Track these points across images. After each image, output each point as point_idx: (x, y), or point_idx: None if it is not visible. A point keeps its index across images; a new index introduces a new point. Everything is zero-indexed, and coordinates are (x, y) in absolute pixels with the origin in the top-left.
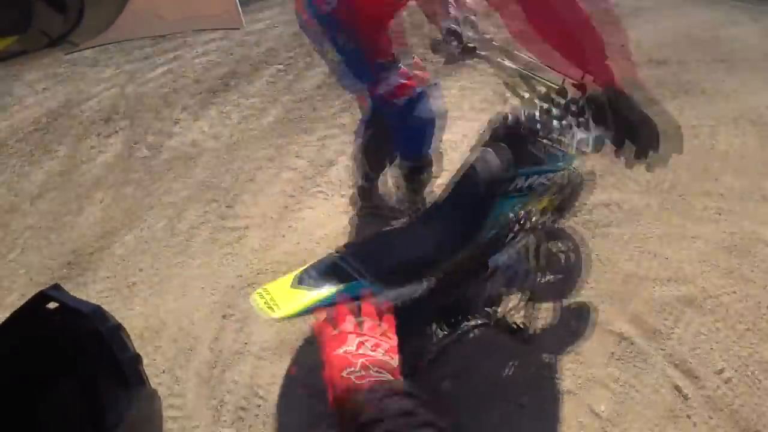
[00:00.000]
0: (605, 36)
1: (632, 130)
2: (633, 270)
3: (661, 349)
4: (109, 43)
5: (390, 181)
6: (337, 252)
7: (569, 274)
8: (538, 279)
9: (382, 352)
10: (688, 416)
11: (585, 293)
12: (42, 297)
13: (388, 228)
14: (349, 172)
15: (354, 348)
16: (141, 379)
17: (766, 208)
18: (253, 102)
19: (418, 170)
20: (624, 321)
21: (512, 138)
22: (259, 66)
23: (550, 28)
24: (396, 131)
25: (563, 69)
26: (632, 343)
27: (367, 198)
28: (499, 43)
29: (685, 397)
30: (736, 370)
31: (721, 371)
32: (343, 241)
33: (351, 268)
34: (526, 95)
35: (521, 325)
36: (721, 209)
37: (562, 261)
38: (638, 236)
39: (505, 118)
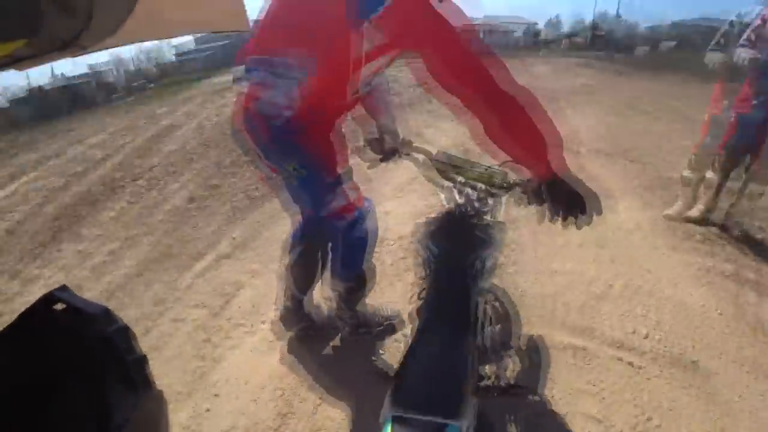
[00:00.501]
0: (546, 134)
1: (566, 204)
2: (542, 290)
3: (602, 341)
4: (117, 46)
5: (319, 298)
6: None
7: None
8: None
9: None
10: (648, 378)
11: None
12: (50, 298)
13: (404, 360)
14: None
15: None
16: (147, 381)
17: None
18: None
19: (355, 289)
20: (566, 334)
21: (459, 225)
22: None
23: (502, 138)
24: (335, 251)
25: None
26: (584, 348)
27: (293, 320)
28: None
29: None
30: (654, 328)
31: (646, 336)
32: (289, 383)
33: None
34: (459, 180)
35: (511, 382)
36: None
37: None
38: (532, 264)
39: (448, 208)
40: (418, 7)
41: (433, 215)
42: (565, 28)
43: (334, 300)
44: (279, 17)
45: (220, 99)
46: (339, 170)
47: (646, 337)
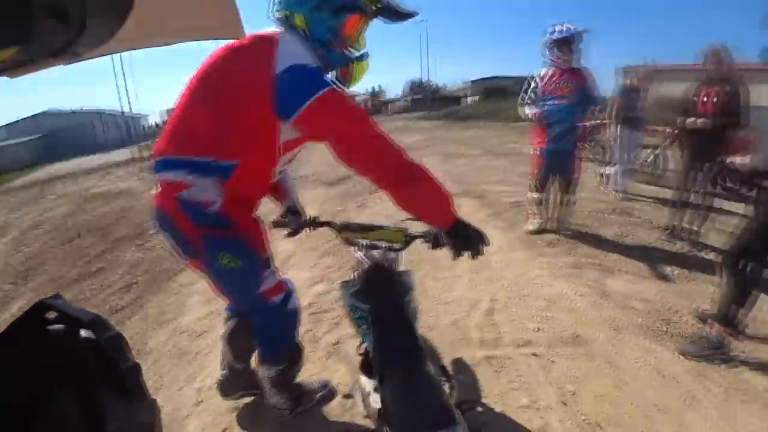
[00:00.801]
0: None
1: (471, 241)
2: (444, 320)
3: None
4: (111, 53)
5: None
6: None
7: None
8: None
9: None
10: (551, 361)
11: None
12: (42, 306)
13: (385, 404)
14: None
15: None
16: (140, 389)
17: None
18: None
19: (289, 367)
20: (478, 350)
21: (382, 279)
22: None
23: (410, 203)
24: (264, 332)
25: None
26: (496, 356)
27: (231, 389)
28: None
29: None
30: (541, 321)
31: (537, 329)
32: None
33: None
34: (365, 244)
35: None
36: None
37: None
38: (427, 301)
39: (369, 265)
40: (330, 109)
41: (351, 277)
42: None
43: (267, 389)
44: (190, 117)
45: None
46: (268, 250)
47: (538, 330)
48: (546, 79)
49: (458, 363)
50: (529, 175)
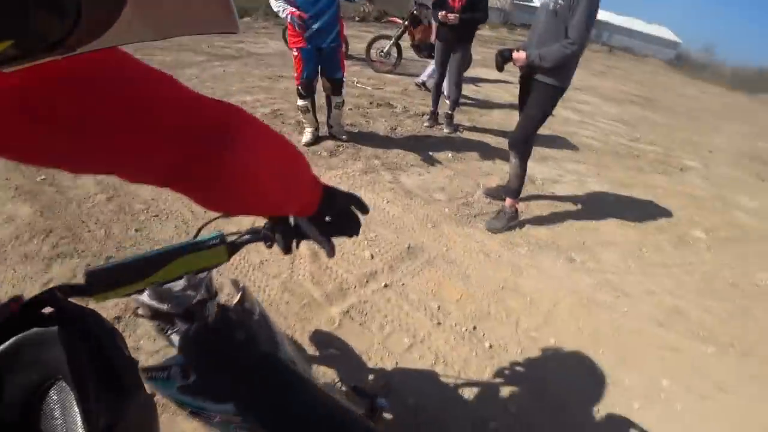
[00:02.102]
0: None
1: (338, 227)
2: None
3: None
4: (106, 47)
5: None
6: None
7: None
8: None
9: None
10: (402, 284)
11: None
12: (37, 301)
13: None
14: None
15: None
16: (136, 384)
17: None
18: None
19: None
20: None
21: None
22: None
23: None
24: None
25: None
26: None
27: None
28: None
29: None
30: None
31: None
32: None
33: None
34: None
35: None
36: None
37: None
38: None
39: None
40: None
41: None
42: None
43: None
44: None
45: None
46: None
47: (373, 257)
48: None
49: (319, 336)
50: (295, 79)
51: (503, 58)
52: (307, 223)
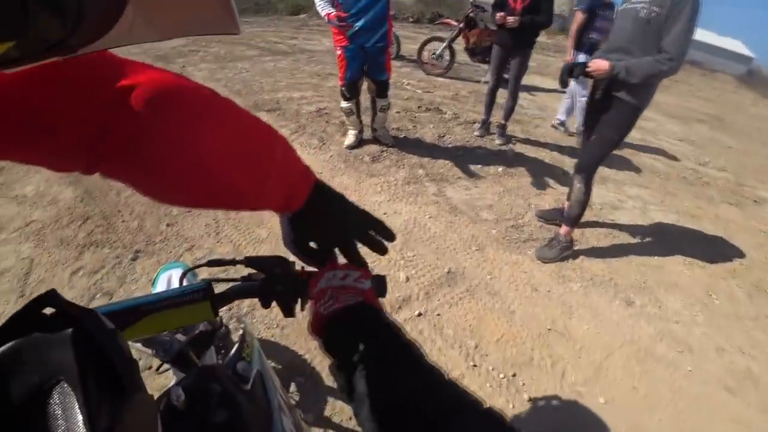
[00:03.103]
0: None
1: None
2: None
3: None
4: (108, 48)
5: None
6: None
7: None
8: None
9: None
10: (437, 315)
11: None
12: (37, 302)
13: None
14: None
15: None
16: (137, 385)
17: None
18: None
19: None
20: None
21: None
22: None
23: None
24: None
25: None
26: None
27: None
28: None
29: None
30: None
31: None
32: None
33: None
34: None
35: None
36: None
37: None
38: None
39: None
40: None
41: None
42: None
43: None
44: None
45: None
46: None
47: (408, 279)
48: None
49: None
50: (339, 80)
51: (571, 74)
52: (288, 228)
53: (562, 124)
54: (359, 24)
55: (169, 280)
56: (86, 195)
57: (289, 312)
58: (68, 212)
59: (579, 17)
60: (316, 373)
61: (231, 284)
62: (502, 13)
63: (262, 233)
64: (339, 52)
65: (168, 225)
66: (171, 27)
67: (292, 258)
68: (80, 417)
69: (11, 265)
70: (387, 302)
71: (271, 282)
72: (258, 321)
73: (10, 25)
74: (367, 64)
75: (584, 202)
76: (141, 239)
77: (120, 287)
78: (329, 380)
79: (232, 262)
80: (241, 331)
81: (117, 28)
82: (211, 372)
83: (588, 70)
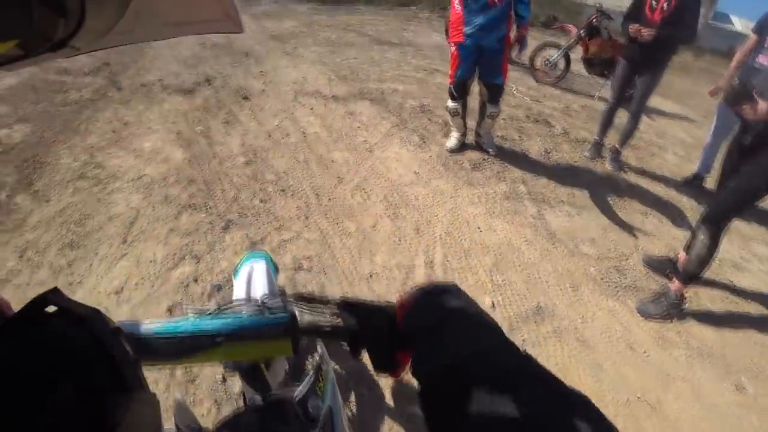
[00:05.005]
0: None
1: None
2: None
3: None
4: (110, 47)
5: None
6: None
7: None
8: None
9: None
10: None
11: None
12: (41, 300)
13: None
14: None
15: None
16: (140, 384)
17: None
18: None
19: None
20: None
21: None
22: None
23: None
24: None
25: None
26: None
27: None
28: None
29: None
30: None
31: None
32: None
33: None
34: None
35: None
36: None
37: None
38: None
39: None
40: None
41: None
42: None
43: None
44: None
45: None
46: None
47: (493, 306)
48: None
49: (401, 390)
50: (449, 78)
51: (746, 92)
52: None
53: (699, 179)
54: (479, 20)
55: (250, 274)
56: (193, 158)
57: (384, 367)
58: (176, 172)
59: (751, 39)
60: (379, 389)
61: (315, 313)
62: (636, 25)
63: (351, 226)
64: (453, 49)
65: (261, 201)
66: (174, 27)
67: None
68: (83, 415)
69: (121, 211)
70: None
71: (367, 333)
72: None
73: (14, 24)
74: (481, 66)
75: (707, 259)
76: (234, 210)
77: (208, 253)
78: (391, 399)
79: (325, 302)
80: (317, 357)
81: (119, 27)
82: (281, 410)
83: (742, 111)
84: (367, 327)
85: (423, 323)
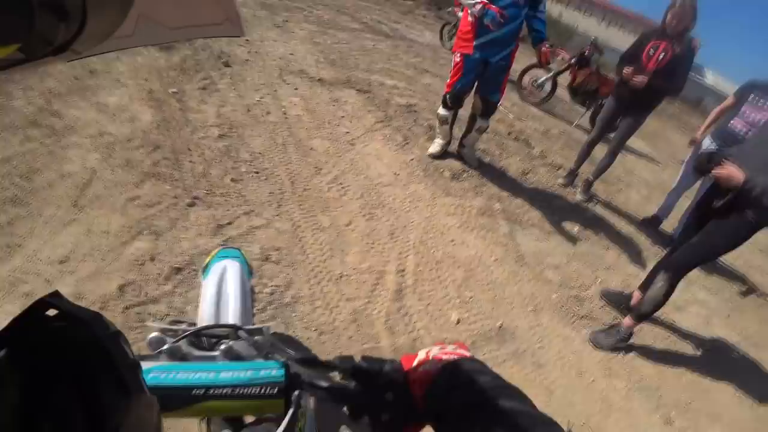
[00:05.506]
0: None
1: None
2: None
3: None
4: (111, 51)
5: None
6: None
7: None
8: None
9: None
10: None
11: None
12: (41, 304)
13: None
14: None
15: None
16: (140, 386)
17: None
18: None
19: None
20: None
21: None
22: None
23: None
24: None
25: None
26: None
27: None
28: None
29: None
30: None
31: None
32: None
33: None
34: None
35: None
36: None
37: None
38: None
39: None
40: None
41: None
42: None
43: None
44: None
45: None
46: None
47: (459, 322)
48: None
49: None
50: (446, 86)
51: (707, 167)
52: None
53: (657, 221)
54: (491, 35)
55: (222, 275)
56: (163, 123)
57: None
58: (142, 135)
59: (729, 100)
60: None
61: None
62: (630, 69)
63: (325, 221)
64: (457, 59)
65: (233, 180)
66: (175, 31)
67: None
68: (83, 418)
69: (75, 170)
70: (432, 339)
71: (374, 404)
72: (297, 317)
73: (16, 27)
74: (482, 80)
75: (660, 303)
76: (203, 186)
77: (169, 230)
78: None
79: (332, 368)
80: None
81: (120, 31)
82: None
83: (715, 174)
84: (376, 397)
85: (458, 400)
